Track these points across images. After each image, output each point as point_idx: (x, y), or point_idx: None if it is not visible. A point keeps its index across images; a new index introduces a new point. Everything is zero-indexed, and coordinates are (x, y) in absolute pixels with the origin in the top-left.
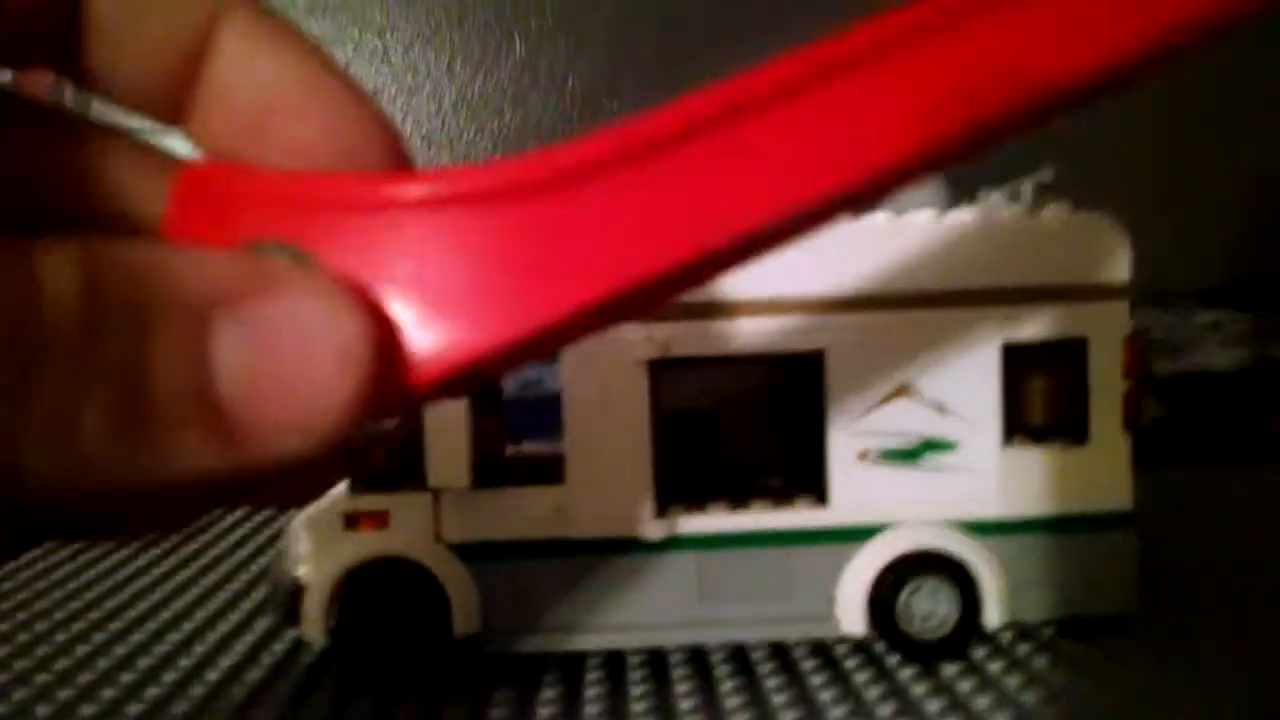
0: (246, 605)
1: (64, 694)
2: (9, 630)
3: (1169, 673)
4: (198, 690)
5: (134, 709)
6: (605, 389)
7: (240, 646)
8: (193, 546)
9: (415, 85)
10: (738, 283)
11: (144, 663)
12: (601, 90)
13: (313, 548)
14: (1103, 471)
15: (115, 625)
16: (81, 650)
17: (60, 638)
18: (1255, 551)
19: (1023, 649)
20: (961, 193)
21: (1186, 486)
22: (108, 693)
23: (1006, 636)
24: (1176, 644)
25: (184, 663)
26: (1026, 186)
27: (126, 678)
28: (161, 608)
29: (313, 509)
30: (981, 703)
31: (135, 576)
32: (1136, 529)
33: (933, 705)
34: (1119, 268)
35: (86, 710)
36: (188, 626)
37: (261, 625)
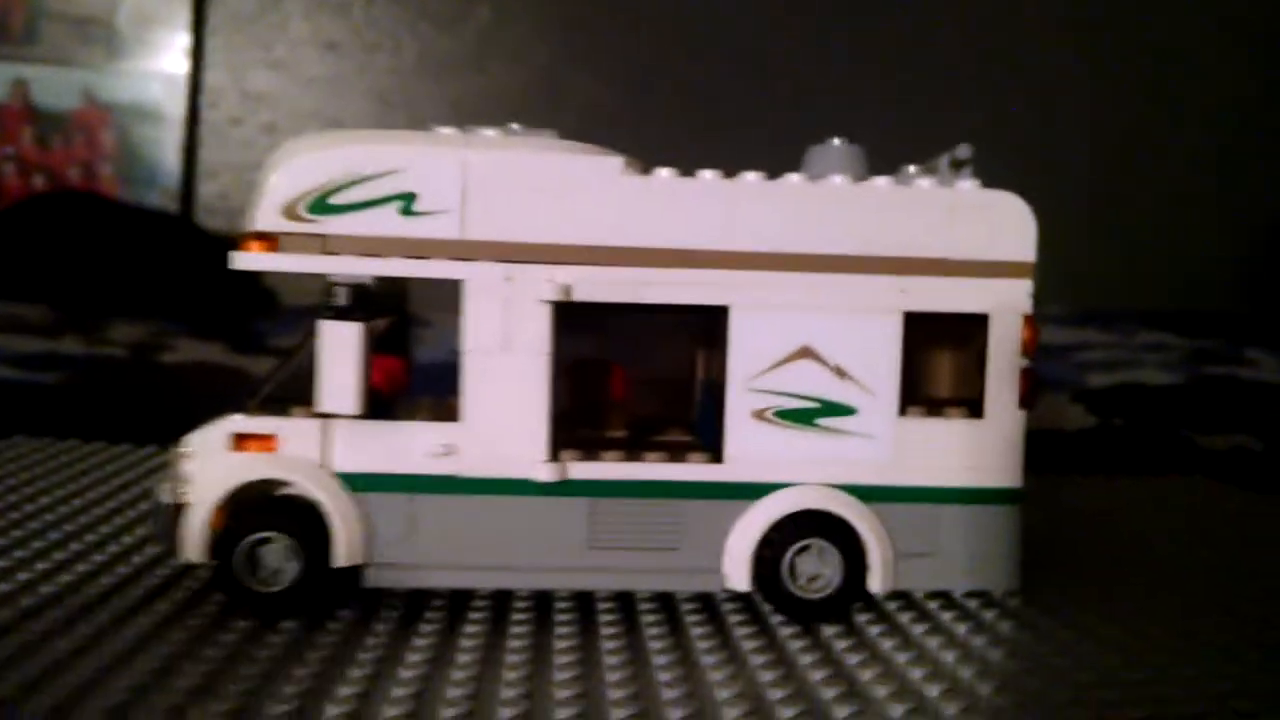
0: (129, 539)
1: None
2: None
3: (1042, 646)
4: (75, 600)
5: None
6: (505, 328)
7: (123, 569)
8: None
9: (375, 42)
10: (646, 230)
11: (22, 576)
12: (562, 63)
13: (197, 467)
14: (995, 447)
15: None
16: None
17: None
18: (1148, 549)
19: (904, 617)
20: (885, 169)
21: (1096, 491)
22: None
23: (889, 604)
24: (1052, 622)
25: (64, 578)
26: (943, 161)
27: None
28: (39, 536)
29: (201, 430)
30: (853, 660)
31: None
32: (1035, 517)
33: (805, 659)
34: (1024, 246)
35: None
36: (75, 547)
37: (147, 554)
